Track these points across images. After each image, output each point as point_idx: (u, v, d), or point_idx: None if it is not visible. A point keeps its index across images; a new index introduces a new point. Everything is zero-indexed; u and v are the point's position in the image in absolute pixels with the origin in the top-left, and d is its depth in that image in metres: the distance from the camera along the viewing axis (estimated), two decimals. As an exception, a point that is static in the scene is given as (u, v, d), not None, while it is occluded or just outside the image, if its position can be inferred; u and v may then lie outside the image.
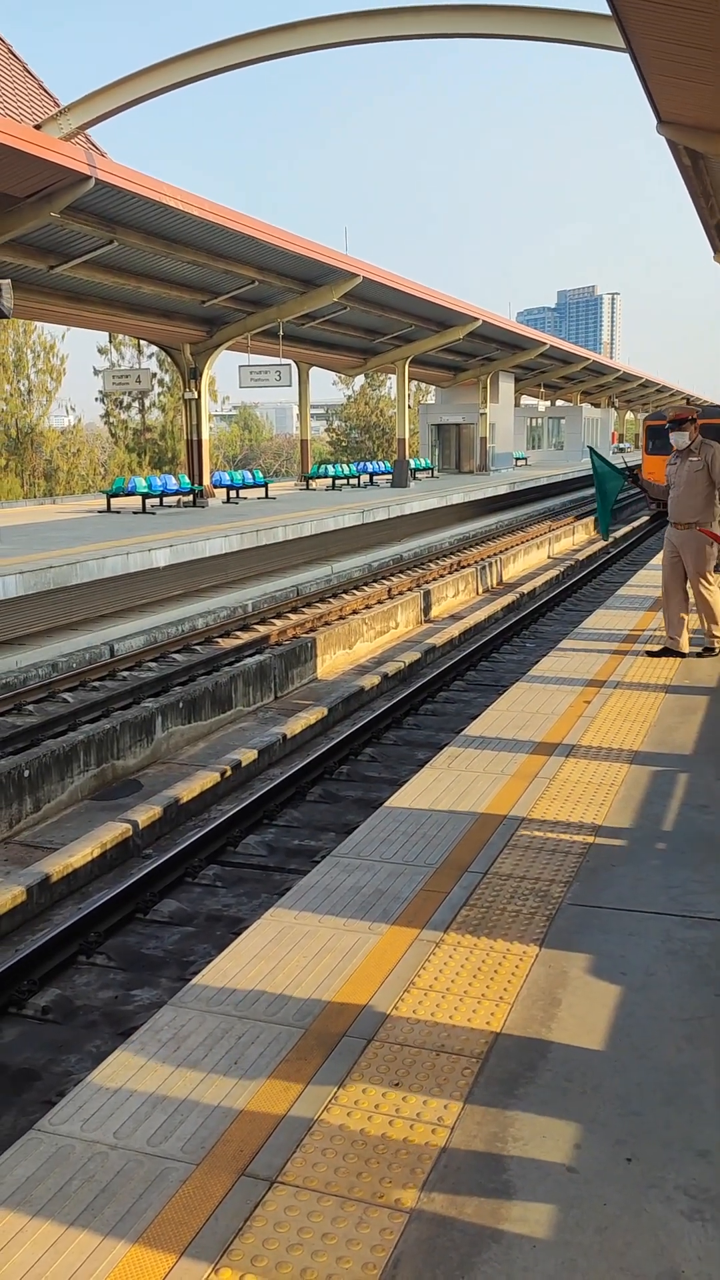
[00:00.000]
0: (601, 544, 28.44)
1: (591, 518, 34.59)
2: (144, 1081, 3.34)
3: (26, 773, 9.82)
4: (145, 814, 9.05)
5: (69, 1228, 2.73)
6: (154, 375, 42.40)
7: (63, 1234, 2.71)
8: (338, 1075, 3.35)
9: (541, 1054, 3.46)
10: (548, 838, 5.28)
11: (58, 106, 18.66)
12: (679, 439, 9.44)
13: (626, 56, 11.48)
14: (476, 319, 36.00)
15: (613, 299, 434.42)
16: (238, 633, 17.68)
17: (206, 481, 30.84)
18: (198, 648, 16.52)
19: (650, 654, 9.39)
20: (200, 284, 25.64)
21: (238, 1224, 2.74)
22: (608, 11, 10.46)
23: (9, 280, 18.97)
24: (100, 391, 52.02)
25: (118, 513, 28.43)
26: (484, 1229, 2.71)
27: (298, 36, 15.79)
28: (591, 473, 13.20)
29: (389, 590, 21.11)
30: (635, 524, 33.50)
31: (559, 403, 69.28)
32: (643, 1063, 3.41)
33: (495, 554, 26.29)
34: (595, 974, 3.95)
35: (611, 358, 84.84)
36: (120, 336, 48.09)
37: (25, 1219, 2.77)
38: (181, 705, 12.27)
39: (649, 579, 14.81)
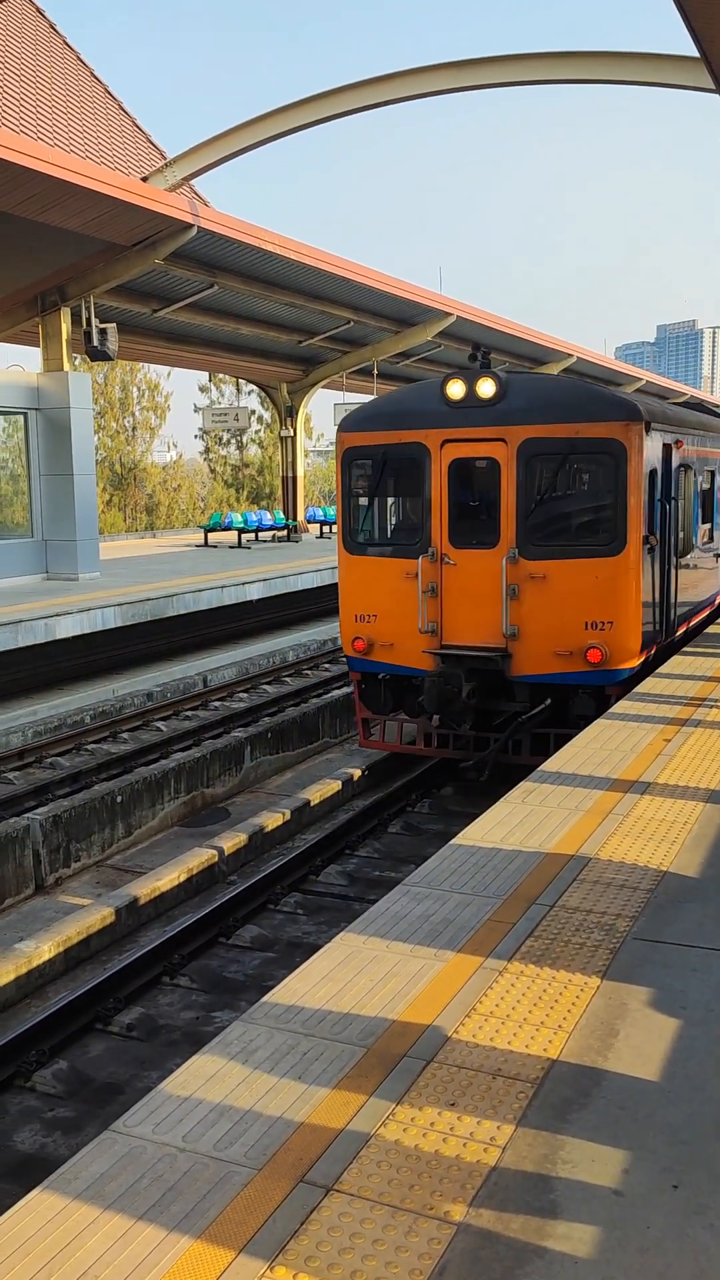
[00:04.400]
0: None
1: None
2: (213, 1091, 3.53)
3: (119, 799, 10.17)
4: (231, 841, 9.31)
5: (137, 1221, 2.92)
6: (252, 413, 43.40)
7: (131, 1227, 2.91)
8: (396, 1093, 3.49)
9: (596, 1082, 3.55)
10: (617, 873, 5.34)
11: (164, 159, 19.45)
12: None
13: None
14: (571, 355, 36.05)
15: (714, 332, 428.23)
16: (326, 665, 17.96)
17: (300, 517, 31.39)
18: (287, 679, 16.84)
19: None
20: (297, 325, 26.28)
21: (294, 1226, 2.89)
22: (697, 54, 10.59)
23: (114, 324, 19.78)
24: (200, 428, 53.31)
25: (214, 547, 29.12)
26: (528, 1245, 2.81)
27: (394, 87, 16.23)
28: None
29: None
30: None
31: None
32: (696, 1095, 3.48)
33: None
34: (655, 1007, 4.02)
35: (712, 393, 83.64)
36: (220, 375, 49.29)
37: (98, 1211, 2.97)
38: (270, 735, 12.55)
39: (741, 617, 14.65)
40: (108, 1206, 2.98)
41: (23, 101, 17.85)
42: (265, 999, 4.13)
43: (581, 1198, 2.99)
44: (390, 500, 11.35)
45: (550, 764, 7.35)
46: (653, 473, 10.56)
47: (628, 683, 10.19)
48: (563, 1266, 2.73)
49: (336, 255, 21.58)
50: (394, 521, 11.43)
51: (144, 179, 16.98)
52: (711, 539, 14.55)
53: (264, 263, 20.84)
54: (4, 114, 16.78)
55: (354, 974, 4.32)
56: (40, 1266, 2.75)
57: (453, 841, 5.87)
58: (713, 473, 14.51)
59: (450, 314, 27.43)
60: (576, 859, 5.54)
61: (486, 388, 10.17)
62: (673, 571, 11.68)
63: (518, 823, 6.14)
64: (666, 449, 11.24)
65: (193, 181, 20.06)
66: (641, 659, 10.43)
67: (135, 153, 20.19)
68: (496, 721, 10.55)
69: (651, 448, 10.39)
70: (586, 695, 10.14)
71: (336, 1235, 2.85)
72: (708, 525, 14.33)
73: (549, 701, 10.27)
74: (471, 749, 10.79)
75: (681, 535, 12.29)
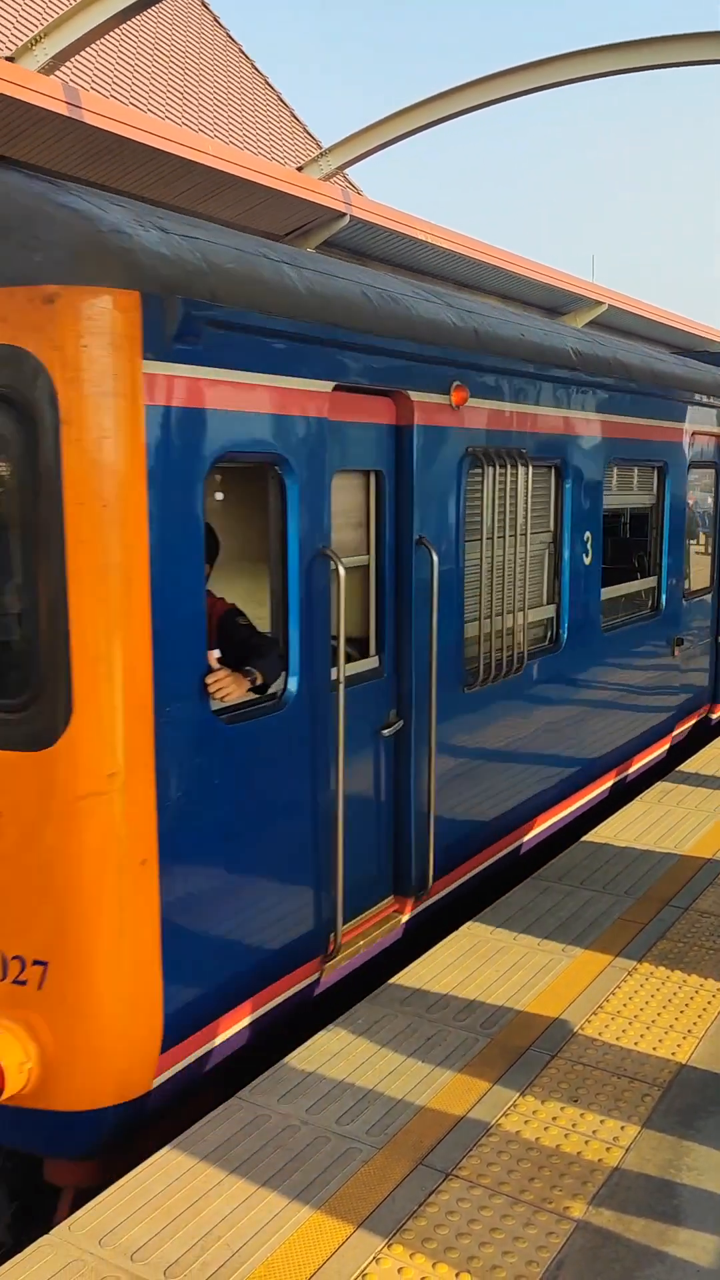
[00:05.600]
0: None
1: None
2: (336, 1067, 3.59)
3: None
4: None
5: (260, 1187, 3.00)
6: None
7: (254, 1192, 2.98)
8: (518, 1085, 3.48)
9: (726, 1091, 3.46)
10: (756, 880, 5.18)
11: (320, 148, 19.65)
12: None
13: None
14: (729, 346, 34.90)
15: None
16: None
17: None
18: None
19: None
20: (445, 313, 26.21)
21: (412, 1207, 2.92)
22: None
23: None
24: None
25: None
26: (649, 1248, 2.77)
27: (561, 69, 15.95)
28: None
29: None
30: None
31: None
32: None
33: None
34: (791, 1020, 3.88)
35: None
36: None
37: (222, 1174, 3.06)
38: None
39: None
40: (232, 1170, 3.07)
41: (186, 94, 18.30)
42: (391, 981, 4.17)
43: (707, 1206, 2.93)
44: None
45: (689, 764, 7.17)
46: (263, 467, 4.09)
47: (121, 1133, 3.54)
48: (684, 1273, 2.68)
49: (485, 242, 21.39)
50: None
51: (299, 169, 17.18)
52: (659, 607, 7.61)
53: (413, 250, 20.81)
54: (168, 107, 17.24)
55: (480, 963, 4.31)
56: (167, 1222, 2.86)
57: (583, 839, 5.80)
58: (662, 469, 7.51)
59: (602, 303, 26.86)
60: (713, 863, 5.40)
61: None
62: (426, 749, 4.87)
63: (652, 823, 6.01)
64: (383, 407, 4.68)
65: (346, 170, 20.21)
66: (175, 1069, 3.66)
67: (292, 142, 20.46)
68: None
69: (234, 397, 3.81)
70: None
71: (454, 1219, 2.86)
72: (648, 585, 7.61)
73: None
74: None
75: (489, 632, 5.40)
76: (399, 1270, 2.68)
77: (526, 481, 5.60)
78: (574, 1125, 3.27)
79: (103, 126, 9.43)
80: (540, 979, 4.17)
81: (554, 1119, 3.31)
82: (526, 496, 5.60)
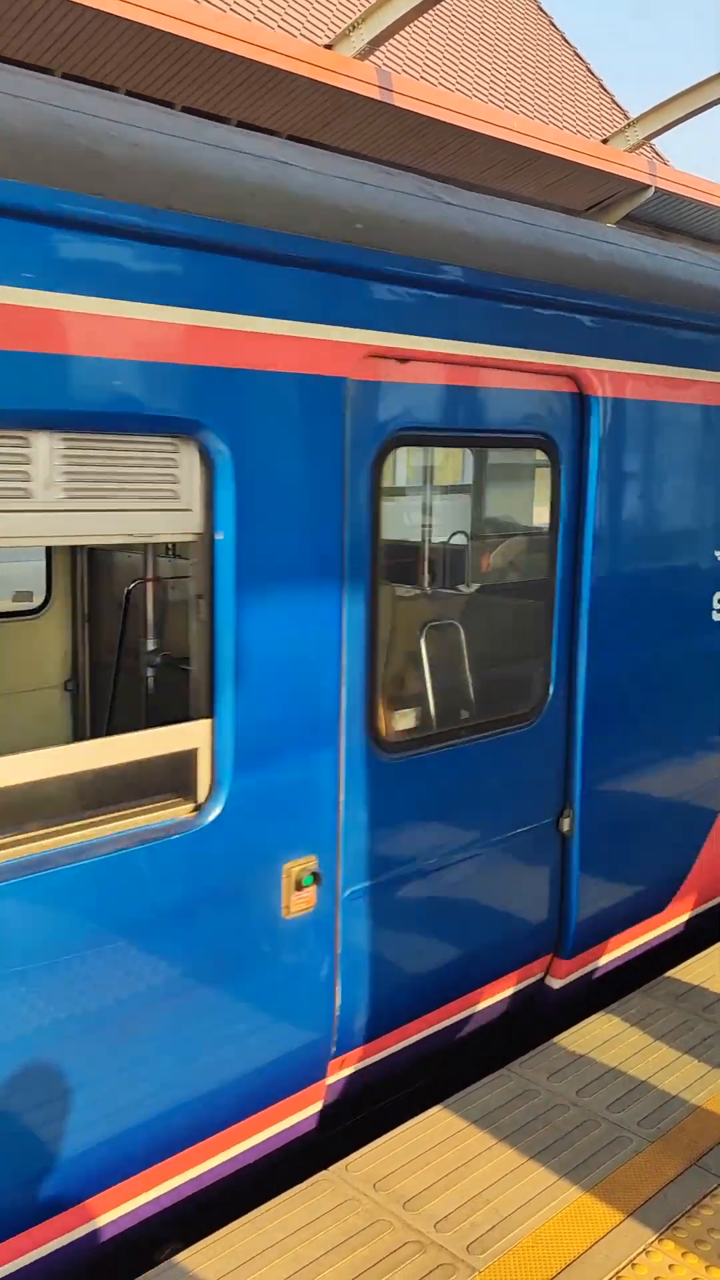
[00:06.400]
0: None
1: None
2: (607, 1053, 3.55)
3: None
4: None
5: (528, 1160, 3.02)
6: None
7: (522, 1164, 3.01)
8: None
9: None
10: None
11: (627, 119, 19.09)
12: None
13: None
14: None
15: None
16: None
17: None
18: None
19: None
20: (750, 288, 24.85)
21: (685, 1206, 2.85)
22: None
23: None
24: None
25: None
26: None
27: None
28: None
29: None
30: None
31: None
32: None
33: None
34: None
35: None
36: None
37: (491, 1141, 3.11)
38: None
39: None
40: (501, 1139, 3.11)
41: (496, 70, 18.26)
42: (667, 974, 4.07)
43: None
44: None
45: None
46: None
47: None
48: None
49: None
50: None
51: (604, 141, 16.77)
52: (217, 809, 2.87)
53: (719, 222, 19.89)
54: (478, 83, 17.29)
55: (764, 968, 4.13)
56: (437, 1179, 2.94)
57: None
58: (228, 453, 2.74)
59: None
60: None
61: None
62: None
63: None
64: None
65: (654, 140, 19.51)
66: None
67: (599, 114, 20.00)
68: None
69: None
70: None
71: (729, 1225, 2.77)
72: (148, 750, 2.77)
73: None
74: None
75: None
76: (669, 1266, 2.63)
77: None
78: None
79: (410, 108, 9.60)
80: None
81: None
82: None
